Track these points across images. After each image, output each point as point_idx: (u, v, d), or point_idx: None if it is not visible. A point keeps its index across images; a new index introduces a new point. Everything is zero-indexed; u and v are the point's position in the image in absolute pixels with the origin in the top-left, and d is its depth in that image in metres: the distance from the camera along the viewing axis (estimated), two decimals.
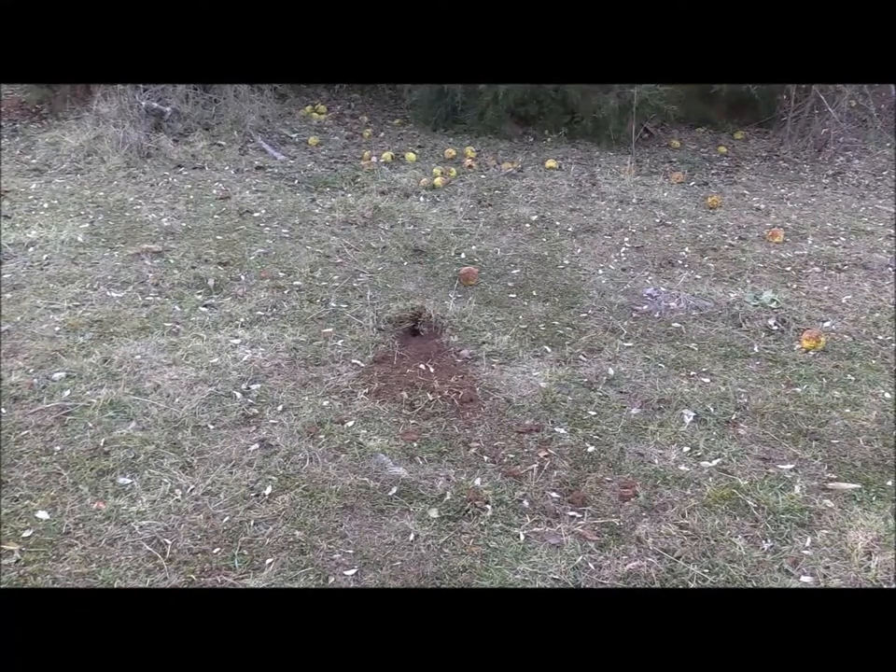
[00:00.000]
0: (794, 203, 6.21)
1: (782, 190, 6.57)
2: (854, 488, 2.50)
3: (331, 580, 2.05)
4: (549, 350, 3.44)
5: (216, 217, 5.11)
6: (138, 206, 5.25)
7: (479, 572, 2.10)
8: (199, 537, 2.19)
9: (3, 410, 2.72)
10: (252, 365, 3.13)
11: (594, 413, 2.92)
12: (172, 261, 4.26)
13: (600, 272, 4.50)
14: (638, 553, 2.20)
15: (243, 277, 4.09)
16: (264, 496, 2.37)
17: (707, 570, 2.13)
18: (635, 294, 4.16)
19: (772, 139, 8.10)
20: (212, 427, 2.71)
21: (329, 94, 8.80)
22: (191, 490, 2.37)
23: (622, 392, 3.09)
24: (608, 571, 2.13)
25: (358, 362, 3.23)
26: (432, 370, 3.19)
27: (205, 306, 3.70)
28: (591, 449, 2.70)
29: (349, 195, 5.71)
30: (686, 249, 4.96)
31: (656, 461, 2.64)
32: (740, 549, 2.21)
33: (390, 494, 2.41)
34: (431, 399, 2.95)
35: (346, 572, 2.08)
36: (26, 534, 2.15)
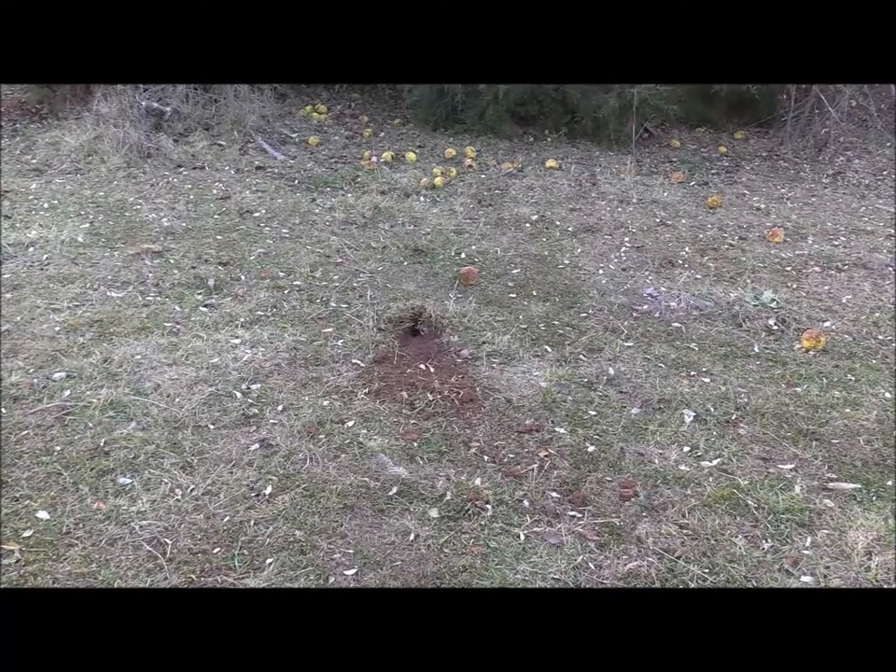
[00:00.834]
0: (794, 202, 6.21)
1: (782, 190, 6.57)
2: (854, 488, 2.50)
3: (331, 579, 2.05)
4: (549, 350, 3.44)
5: (216, 216, 5.11)
6: (138, 206, 5.25)
7: (479, 572, 2.10)
8: (199, 537, 2.19)
9: (3, 410, 2.72)
10: (252, 365, 3.13)
11: (594, 413, 2.92)
12: (172, 261, 4.26)
13: (600, 271, 4.50)
14: (639, 552, 2.20)
15: (243, 277, 4.09)
16: (264, 495, 2.37)
17: (707, 570, 2.13)
18: (635, 294, 4.16)
19: (772, 139, 8.10)
20: (212, 426, 2.71)
21: (329, 94, 8.79)
22: (191, 490, 2.37)
23: (622, 392, 3.09)
24: (608, 571, 2.13)
25: (359, 362, 3.23)
26: (432, 369, 3.19)
27: (205, 306, 3.70)
28: (591, 449, 2.70)
29: (349, 195, 5.71)
30: (686, 249, 4.96)
31: (656, 461, 2.64)
32: (740, 549, 2.21)
33: (390, 494, 2.41)
34: (431, 398, 2.95)
35: (346, 572, 2.08)
36: (26, 534, 2.15)
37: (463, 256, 4.65)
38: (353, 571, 2.08)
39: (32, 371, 2.99)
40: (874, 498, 2.45)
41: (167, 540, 2.16)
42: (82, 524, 2.21)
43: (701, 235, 5.25)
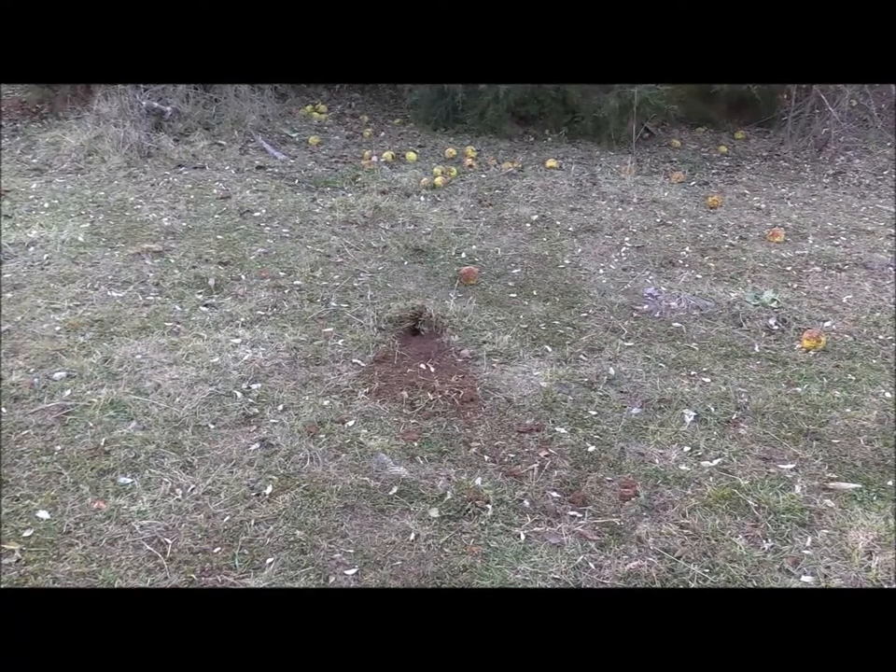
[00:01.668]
0: (795, 202, 6.21)
1: (783, 190, 6.57)
2: (855, 488, 2.50)
3: (332, 579, 2.05)
4: (549, 350, 3.44)
5: (216, 216, 5.11)
6: (139, 206, 5.25)
7: (479, 572, 2.10)
8: (199, 536, 2.19)
9: (3, 409, 2.72)
10: (252, 364, 3.13)
11: (594, 413, 2.92)
12: (172, 261, 4.26)
13: (601, 271, 4.50)
14: (639, 552, 2.20)
15: (243, 277, 4.09)
16: (265, 495, 2.37)
17: (707, 570, 2.13)
18: (635, 294, 4.16)
19: (772, 139, 8.09)
20: (212, 426, 2.71)
21: (330, 94, 8.79)
22: (192, 490, 2.38)
23: (622, 392, 3.09)
24: (608, 571, 2.13)
25: (359, 362, 3.23)
26: (433, 369, 3.19)
27: (206, 306, 3.70)
28: (591, 449, 2.70)
29: (350, 195, 5.70)
30: (687, 249, 4.96)
31: (657, 461, 2.64)
32: (741, 548, 2.21)
33: (391, 493, 2.41)
34: (432, 398, 2.95)
35: (347, 572, 2.08)
36: (27, 533, 2.15)
37: (463, 255, 4.65)
38: (353, 571, 2.08)
39: (32, 370, 2.99)
40: (874, 498, 2.45)
41: (167, 540, 2.16)
42: (82, 523, 2.21)
43: (701, 235, 5.25)
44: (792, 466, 2.63)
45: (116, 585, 1.99)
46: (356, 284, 4.10)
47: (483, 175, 6.50)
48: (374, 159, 6.74)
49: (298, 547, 2.16)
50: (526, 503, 2.40)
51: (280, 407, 2.84)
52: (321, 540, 2.19)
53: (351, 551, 2.16)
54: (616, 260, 4.71)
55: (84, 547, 2.12)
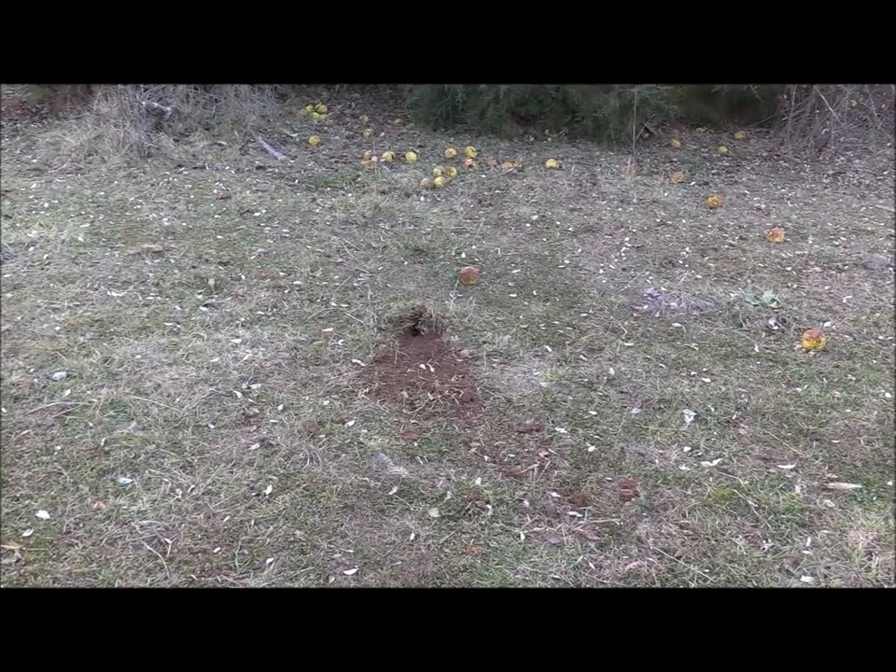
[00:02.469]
0: (795, 202, 6.21)
1: (783, 190, 6.57)
2: (855, 488, 2.50)
3: (332, 579, 2.05)
4: (549, 350, 3.44)
5: (216, 216, 5.11)
6: (139, 206, 5.25)
7: (479, 572, 2.10)
8: (199, 536, 2.19)
9: (3, 409, 2.72)
10: (252, 364, 3.13)
11: (594, 413, 2.92)
12: (172, 261, 4.26)
13: (601, 271, 4.50)
14: (639, 552, 2.20)
15: (243, 277, 4.09)
16: (265, 495, 2.37)
17: (707, 570, 2.13)
18: (635, 294, 4.16)
19: (772, 139, 8.09)
20: (212, 426, 2.71)
21: (330, 94, 8.79)
22: (192, 490, 2.38)
23: (622, 392, 3.09)
24: (608, 571, 2.13)
25: (359, 362, 3.23)
26: (433, 369, 3.19)
27: (206, 306, 3.70)
28: (591, 449, 2.70)
29: (350, 195, 5.71)
30: (687, 249, 4.96)
31: (657, 461, 2.64)
32: (741, 549, 2.21)
33: (391, 493, 2.41)
34: (432, 398, 2.95)
35: (347, 572, 2.08)
36: (27, 533, 2.15)
37: (463, 256, 4.65)
38: (353, 571, 2.08)
39: (32, 370, 2.99)
40: (874, 499, 2.45)
41: (167, 540, 2.16)
42: (82, 523, 2.21)
43: (701, 235, 5.25)
44: (792, 466, 2.63)
45: (116, 585, 1.99)
46: (356, 284, 4.10)
47: (483, 176, 6.50)
48: (374, 159, 6.74)
49: (298, 547, 2.16)
50: (526, 503, 2.40)
51: (280, 407, 2.84)
52: (321, 540, 2.19)
53: (351, 551, 2.16)
54: (616, 260, 4.71)
55: (84, 547, 2.12)
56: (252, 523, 2.25)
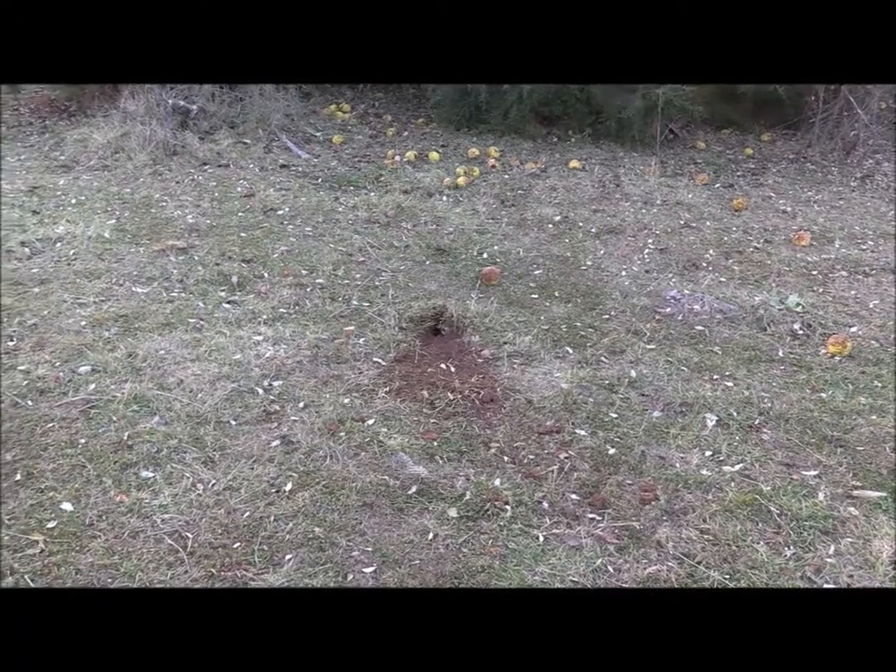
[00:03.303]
0: (822, 205, 6.13)
1: (809, 193, 6.49)
2: (879, 496, 2.46)
3: (350, 577, 2.06)
4: (570, 351, 3.42)
5: (240, 214, 5.15)
6: (164, 203, 5.30)
7: (497, 573, 2.10)
8: (220, 531, 2.20)
9: (29, 402, 2.76)
10: (274, 362, 3.15)
11: (615, 416, 2.90)
12: (196, 258, 4.30)
13: (623, 273, 4.48)
14: (658, 557, 2.19)
15: (266, 275, 4.12)
16: (284, 492, 2.38)
17: (728, 576, 2.11)
18: (658, 296, 4.13)
19: (799, 141, 8.00)
20: (234, 422, 2.73)
21: (354, 93, 8.82)
22: (213, 485, 2.39)
23: (643, 395, 3.07)
24: (627, 575, 2.11)
25: (380, 361, 3.24)
26: (453, 369, 3.19)
27: (229, 303, 3.73)
28: (612, 451, 2.68)
29: (372, 194, 5.72)
30: (710, 252, 4.91)
31: (677, 465, 2.62)
32: (762, 555, 2.19)
33: (410, 492, 2.41)
34: (452, 398, 2.95)
35: (365, 570, 2.09)
36: (51, 525, 2.18)
37: (485, 256, 4.65)
38: (371, 569, 2.09)
39: (58, 364, 3.03)
40: None
41: (188, 534, 2.18)
42: (105, 516, 2.24)
43: (726, 238, 5.21)
44: (816, 472, 2.60)
45: (137, 578, 2.01)
46: (377, 283, 4.11)
47: (506, 176, 6.49)
48: (397, 158, 6.75)
49: (317, 544, 2.17)
50: (545, 505, 2.40)
51: (301, 404, 2.86)
52: (340, 538, 2.20)
53: (369, 549, 2.17)
54: (639, 262, 4.68)
55: (106, 539, 2.14)
56: (272, 519, 2.26)
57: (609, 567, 2.15)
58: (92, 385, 2.89)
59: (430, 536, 2.23)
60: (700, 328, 3.75)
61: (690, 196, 6.10)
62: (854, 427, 2.88)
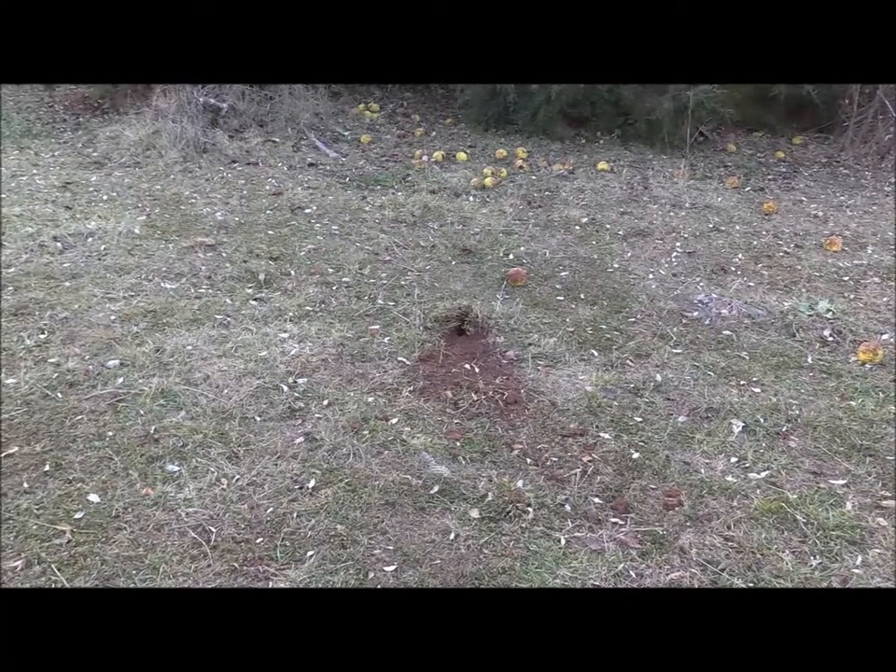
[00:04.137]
0: (854, 210, 6.03)
1: (842, 198, 6.39)
2: None
3: (371, 575, 2.06)
4: (596, 354, 3.40)
5: (268, 212, 5.19)
6: (193, 200, 5.36)
7: (518, 575, 2.09)
8: (243, 526, 2.22)
9: (59, 395, 2.80)
10: (299, 359, 3.17)
11: (639, 420, 2.88)
12: (224, 255, 4.34)
13: (650, 276, 4.44)
14: (681, 563, 2.17)
15: (293, 272, 4.15)
16: (307, 488, 2.40)
17: (752, 584, 2.08)
18: (685, 300, 4.09)
19: (832, 145, 7.88)
20: (259, 418, 2.75)
21: (382, 93, 8.86)
22: (237, 480, 2.41)
23: (669, 399, 3.05)
24: (649, 580, 2.10)
25: (404, 360, 3.24)
26: (477, 370, 3.19)
27: (255, 300, 3.76)
28: (636, 455, 2.66)
29: (399, 193, 5.73)
30: (739, 256, 4.86)
31: (702, 470, 2.59)
32: (787, 564, 2.16)
33: (432, 492, 2.41)
34: (476, 398, 2.95)
35: (386, 568, 2.09)
36: (77, 516, 2.21)
37: (511, 257, 4.64)
38: (392, 568, 2.09)
39: (87, 357, 3.08)
40: None
41: (212, 528, 2.20)
42: (131, 508, 2.26)
43: (755, 242, 5.14)
44: (844, 482, 2.56)
45: (161, 570, 2.03)
46: (403, 282, 4.12)
47: (534, 177, 6.47)
48: (425, 158, 6.76)
49: (338, 541, 2.18)
50: (568, 508, 2.38)
51: (325, 402, 2.87)
52: (361, 536, 2.20)
53: (391, 547, 2.17)
54: (666, 266, 4.64)
55: (132, 531, 2.17)
56: (294, 515, 2.27)
57: (630, 571, 2.13)
58: (120, 379, 2.93)
59: (452, 536, 2.23)
60: (728, 332, 3.70)
61: (719, 199, 6.04)
62: (884, 436, 2.83)
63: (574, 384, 3.12)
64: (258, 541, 2.17)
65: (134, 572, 2.02)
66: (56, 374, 2.93)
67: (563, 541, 2.23)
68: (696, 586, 2.07)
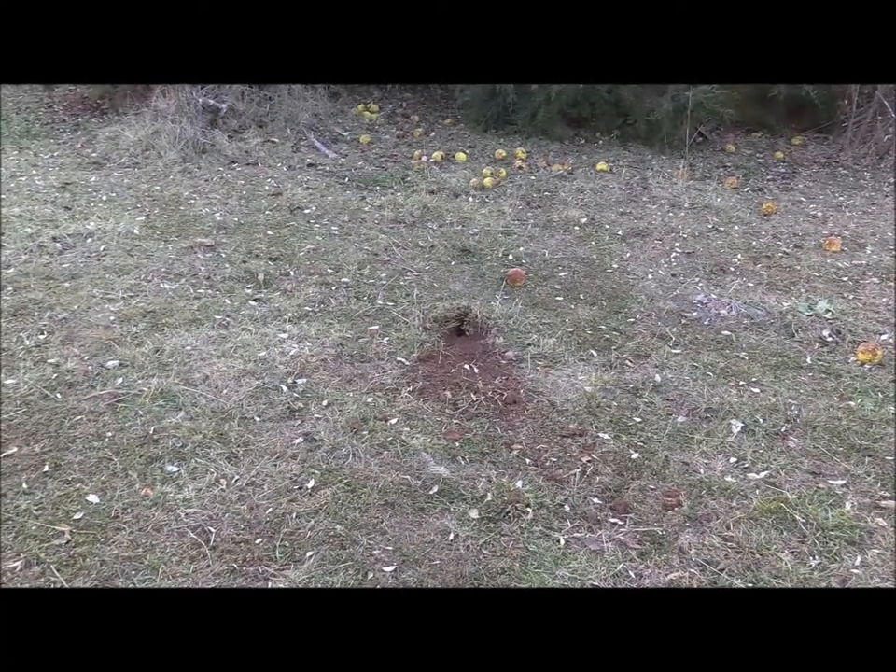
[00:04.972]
0: (853, 211, 6.04)
1: (841, 198, 6.40)
2: None
3: (370, 575, 2.06)
4: (595, 354, 3.40)
5: (267, 212, 5.19)
6: (193, 201, 5.36)
7: (518, 575, 2.09)
8: (242, 526, 2.22)
9: (58, 395, 2.80)
10: (299, 359, 3.17)
11: (639, 420, 2.88)
12: (223, 255, 4.34)
13: (649, 276, 4.44)
14: (680, 563, 2.17)
15: (292, 273, 4.15)
16: (307, 489, 2.40)
17: (751, 585, 2.08)
18: (684, 300, 4.09)
19: (831, 145, 7.89)
20: (258, 419, 2.75)
21: (381, 93, 8.86)
22: (236, 480, 2.41)
23: (668, 399, 3.05)
24: (648, 581, 2.10)
25: (403, 360, 3.24)
26: (477, 370, 3.19)
27: (255, 300, 3.76)
28: (635, 456, 2.66)
29: (399, 194, 5.74)
30: (739, 256, 4.86)
31: (702, 471, 2.59)
32: (786, 564, 2.16)
33: (431, 492, 2.42)
34: (475, 399, 2.95)
35: (385, 568, 2.09)
36: (77, 516, 2.21)
37: (510, 257, 4.64)
38: (392, 568, 2.09)
39: (87, 358, 3.08)
40: None
41: (211, 529, 2.20)
42: (130, 509, 2.26)
43: (754, 242, 5.15)
44: (843, 482, 2.56)
45: (160, 571, 2.03)
46: (402, 283, 4.12)
47: (533, 177, 6.47)
48: (424, 158, 6.77)
49: (338, 542, 2.18)
50: (567, 508, 2.38)
51: (324, 402, 2.87)
52: (361, 536, 2.20)
53: (390, 548, 2.17)
54: (665, 266, 4.64)
55: (131, 532, 2.17)
56: (294, 515, 2.27)
57: (630, 572, 2.13)
58: (120, 380, 2.93)
59: (451, 536, 2.23)
60: (727, 333, 3.71)
61: (718, 200, 6.04)
62: (883, 436, 2.83)
63: (573, 384, 3.12)
64: (257, 542, 2.17)
65: (133, 573, 2.02)
66: (55, 375, 2.93)
67: (562, 542, 2.23)
68: (695, 586, 2.07)
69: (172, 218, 4.94)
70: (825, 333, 3.70)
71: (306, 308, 3.70)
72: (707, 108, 7.19)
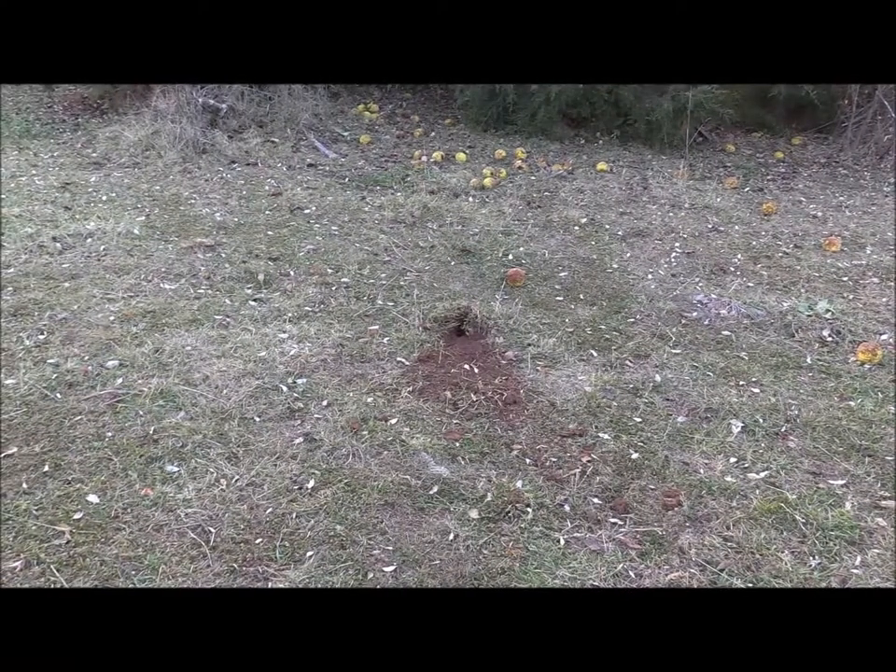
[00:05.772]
0: (853, 211, 6.04)
1: (841, 198, 6.40)
2: None
3: (370, 575, 2.06)
4: (595, 354, 3.40)
5: (267, 212, 5.19)
6: (193, 201, 5.36)
7: (518, 575, 2.09)
8: (242, 526, 2.22)
9: (58, 395, 2.80)
10: (298, 360, 3.17)
11: (639, 420, 2.88)
12: (223, 255, 4.34)
13: (649, 276, 4.44)
14: (680, 563, 2.17)
15: (292, 273, 4.15)
16: (307, 489, 2.39)
17: (751, 585, 2.08)
18: (684, 300, 4.09)
19: (831, 145, 7.89)
20: (258, 419, 2.75)
21: (382, 93, 8.86)
22: (236, 480, 2.41)
23: (668, 399, 3.05)
24: (648, 581, 2.10)
25: (403, 360, 3.24)
26: (477, 370, 3.19)
27: (255, 300, 3.76)
28: (635, 456, 2.66)
29: (399, 194, 5.74)
30: (739, 256, 4.86)
31: (702, 471, 2.59)
32: (786, 564, 2.16)
33: (431, 492, 2.41)
34: (475, 399, 2.95)
35: (385, 568, 2.09)
36: (77, 516, 2.21)
37: (510, 257, 4.64)
38: (392, 568, 2.09)
39: (87, 358, 3.07)
40: None
41: (211, 529, 2.20)
42: (130, 509, 2.26)
43: (754, 242, 5.15)
44: (843, 482, 2.56)
45: (160, 571, 2.03)
46: (402, 283, 4.12)
47: (533, 177, 6.47)
48: (424, 158, 6.77)
49: (338, 542, 2.18)
50: (567, 508, 2.38)
51: (324, 402, 2.87)
52: (361, 536, 2.20)
53: (390, 548, 2.17)
54: (665, 266, 4.64)
55: (131, 532, 2.17)
56: (294, 515, 2.27)
57: (630, 572, 2.13)
58: (120, 380, 2.92)
59: (451, 536, 2.23)
60: (727, 333, 3.71)
61: (718, 200, 6.04)
62: (883, 436, 2.83)
63: (573, 384, 3.12)
64: (257, 542, 2.17)
65: (133, 573, 2.02)
66: (55, 375, 2.93)
67: (562, 542, 2.23)
68: (695, 586, 2.07)
69: (172, 218, 4.94)
70: (825, 333, 3.70)
71: (306, 308, 3.70)
72: (707, 108, 7.20)
